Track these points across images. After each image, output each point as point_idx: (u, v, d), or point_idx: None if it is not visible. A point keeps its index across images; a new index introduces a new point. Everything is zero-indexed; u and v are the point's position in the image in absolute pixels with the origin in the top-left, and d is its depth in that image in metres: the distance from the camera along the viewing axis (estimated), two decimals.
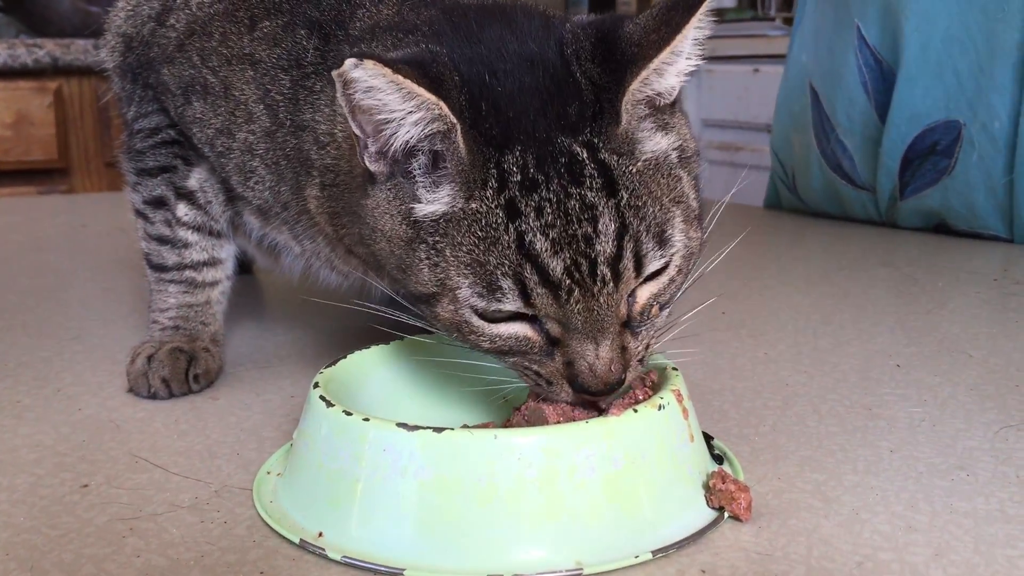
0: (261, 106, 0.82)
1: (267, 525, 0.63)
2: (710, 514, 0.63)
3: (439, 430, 0.58)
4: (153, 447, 0.77)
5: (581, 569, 0.56)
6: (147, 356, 0.89)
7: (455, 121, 0.61)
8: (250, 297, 1.22)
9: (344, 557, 0.58)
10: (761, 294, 1.25)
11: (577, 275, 0.60)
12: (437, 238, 0.63)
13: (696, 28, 0.64)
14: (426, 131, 0.62)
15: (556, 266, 0.60)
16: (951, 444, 0.75)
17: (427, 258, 0.64)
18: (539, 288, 0.60)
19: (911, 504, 0.65)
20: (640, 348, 0.66)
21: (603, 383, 0.63)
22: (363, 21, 0.80)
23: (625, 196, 0.62)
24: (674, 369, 0.69)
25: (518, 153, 0.62)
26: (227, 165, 0.87)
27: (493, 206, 0.61)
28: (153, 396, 0.87)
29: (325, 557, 0.59)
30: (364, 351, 0.75)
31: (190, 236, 0.95)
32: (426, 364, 0.75)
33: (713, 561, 0.58)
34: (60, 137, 2.79)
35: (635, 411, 0.61)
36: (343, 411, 0.62)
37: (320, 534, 0.60)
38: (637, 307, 0.65)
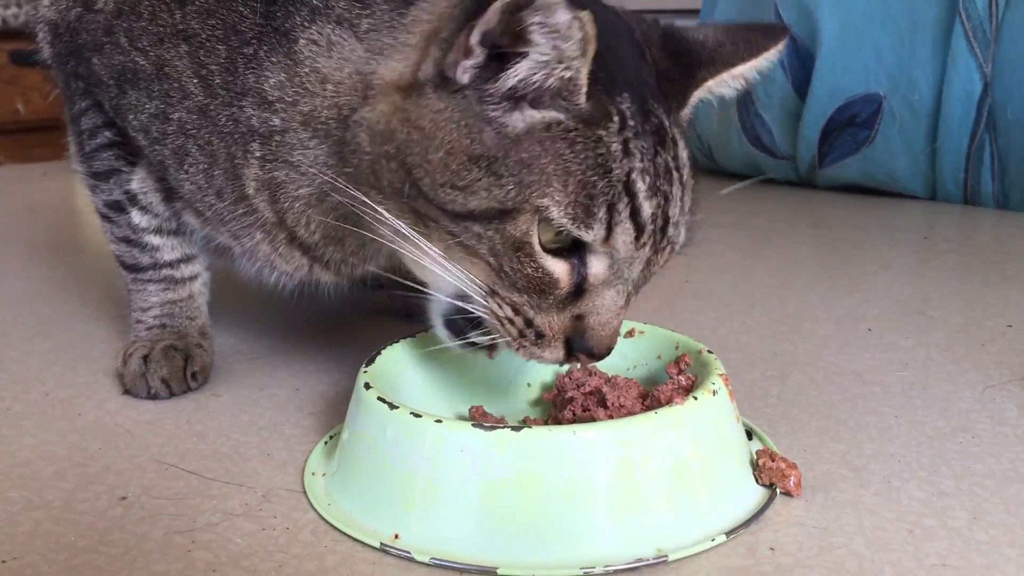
0: (196, 80, 0.78)
1: (335, 529, 0.63)
2: (762, 491, 0.66)
3: (517, 428, 0.60)
4: (176, 451, 0.75)
5: (666, 556, 0.59)
6: (141, 357, 0.86)
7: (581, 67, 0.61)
8: (220, 285, 1.18)
9: (433, 559, 0.59)
10: (713, 260, 1.29)
11: (659, 222, 0.65)
12: (537, 150, 0.62)
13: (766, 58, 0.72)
14: (557, 73, 0.61)
15: (647, 208, 0.63)
16: (946, 407, 0.80)
17: (513, 174, 0.62)
18: (627, 223, 0.63)
19: (933, 469, 0.70)
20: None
21: (606, 347, 0.65)
22: None
23: (684, 174, 0.68)
24: (709, 352, 0.72)
25: (628, 100, 0.64)
26: (163, 151, 0.82)
27: (616, 139, 0.63)
28: (153, 397, 0.85)
29: (410, 559, 0.59)
30: (396, 345, 0.75)
31: (154, 239, 0.91)
32: (452, 355, 0.75)
33: (778, 538, 0.62)
34: None
35: (695, 399, 0.64)
36: (411, 413, 0.62)
37: (396, 536, 0.61)
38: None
